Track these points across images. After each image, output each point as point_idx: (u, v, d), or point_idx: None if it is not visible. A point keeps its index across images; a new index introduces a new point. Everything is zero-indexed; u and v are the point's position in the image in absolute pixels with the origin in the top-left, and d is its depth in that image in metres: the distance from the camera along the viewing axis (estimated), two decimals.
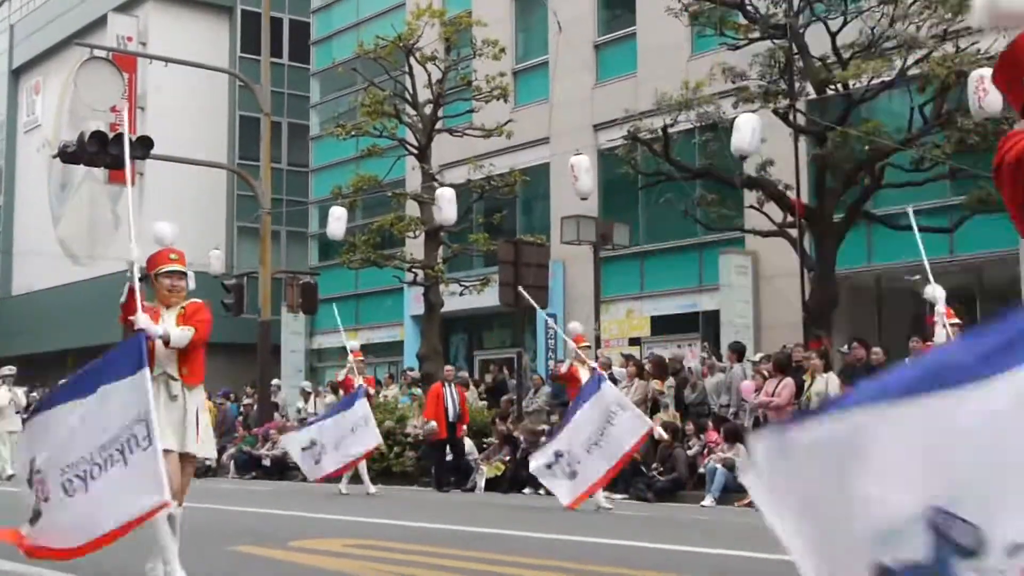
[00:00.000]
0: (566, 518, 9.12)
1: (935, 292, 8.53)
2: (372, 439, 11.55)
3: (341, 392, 13.45)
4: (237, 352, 20.73)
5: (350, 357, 12.09)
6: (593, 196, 16.97)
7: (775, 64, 13.51)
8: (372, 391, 12.96)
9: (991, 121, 11.92)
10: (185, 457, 4.53)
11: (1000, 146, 1.77)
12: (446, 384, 12.69)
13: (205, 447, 4.78)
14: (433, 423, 13.13)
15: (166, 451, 4.22)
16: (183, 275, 4.76)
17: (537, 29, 21.28)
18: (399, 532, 7.82)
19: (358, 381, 11.69)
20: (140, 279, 4.40)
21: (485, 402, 15.85)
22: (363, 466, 11.98)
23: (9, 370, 15.50)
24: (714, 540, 6.99)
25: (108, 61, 17.30)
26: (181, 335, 4.47)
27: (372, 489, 11.66)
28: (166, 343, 4.40)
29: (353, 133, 18.67)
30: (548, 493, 11.49)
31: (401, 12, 21.12)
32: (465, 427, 13.58)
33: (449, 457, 13.34)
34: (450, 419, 12.97)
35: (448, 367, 14.27)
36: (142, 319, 4.20)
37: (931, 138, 13.04)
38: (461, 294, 18.41)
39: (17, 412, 14.67)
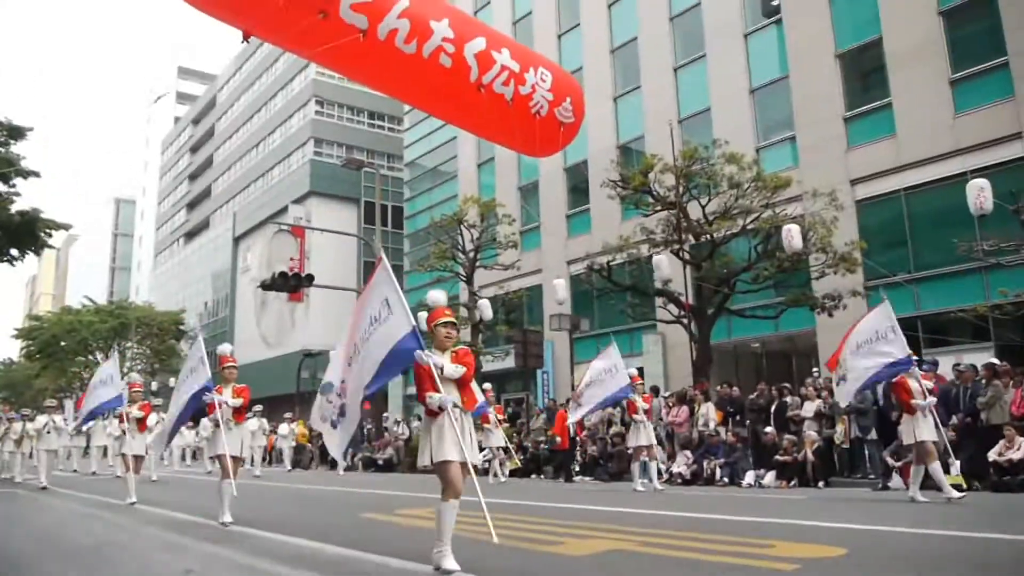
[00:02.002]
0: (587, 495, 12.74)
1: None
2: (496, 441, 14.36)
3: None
4: (365, 397, 26.64)
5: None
6: (567, 303, 22.81)
7: (670, 224, 17.75)
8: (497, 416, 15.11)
9: (796, 255, 16.17)
10: (464, 465, 4.83)
11: None
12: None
13: (475, 456, 5.18)
14: (558, 437, 15.76)
15: (450, 461, 4.82)
16: (455, 326, 5.35)
17: (532, 207, 28.29)
18: (462, 504, 7.71)
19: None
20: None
21: (508, 423, 18.99)
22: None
23: (51, 403, 17.72)
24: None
25: (288, 232, 24.01)
26: (455, 370, 5.05)
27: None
28: (440, 370, 4.95)
29: (429, 269, 24.41)
30: (546, 478, 16.08)
31: (455, 200, 27.84)
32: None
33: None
34: (571, 434, 15.61)
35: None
36: (425, 355, 4.92)
37: (762, 264, 16.91)
38: (492, 360, 23.72)
39: (60, 434, 16.48)
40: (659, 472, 13.03)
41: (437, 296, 5.30)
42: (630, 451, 13.14)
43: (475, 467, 5.04)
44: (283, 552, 5.88)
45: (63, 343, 48.49)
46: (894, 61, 18.99)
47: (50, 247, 26.92)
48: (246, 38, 5.15)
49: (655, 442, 12.87)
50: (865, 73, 20.33)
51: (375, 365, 5.12)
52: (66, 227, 25.14)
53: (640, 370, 15.37)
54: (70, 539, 7.43)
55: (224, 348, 9.06)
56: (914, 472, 9.09)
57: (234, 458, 8.09)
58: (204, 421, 18.18)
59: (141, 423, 11.50)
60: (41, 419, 16.14)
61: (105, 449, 21.38)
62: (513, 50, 5.84)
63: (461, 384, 5.10)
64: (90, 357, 50.38)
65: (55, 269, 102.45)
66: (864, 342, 9.40)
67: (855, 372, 9.48)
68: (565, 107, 6.17)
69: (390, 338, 5.06)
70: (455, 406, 4.93)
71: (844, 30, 20.45)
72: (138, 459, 11.31)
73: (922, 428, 8.85)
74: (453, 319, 5.37)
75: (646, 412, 12.49)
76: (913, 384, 9.03)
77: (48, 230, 23.55)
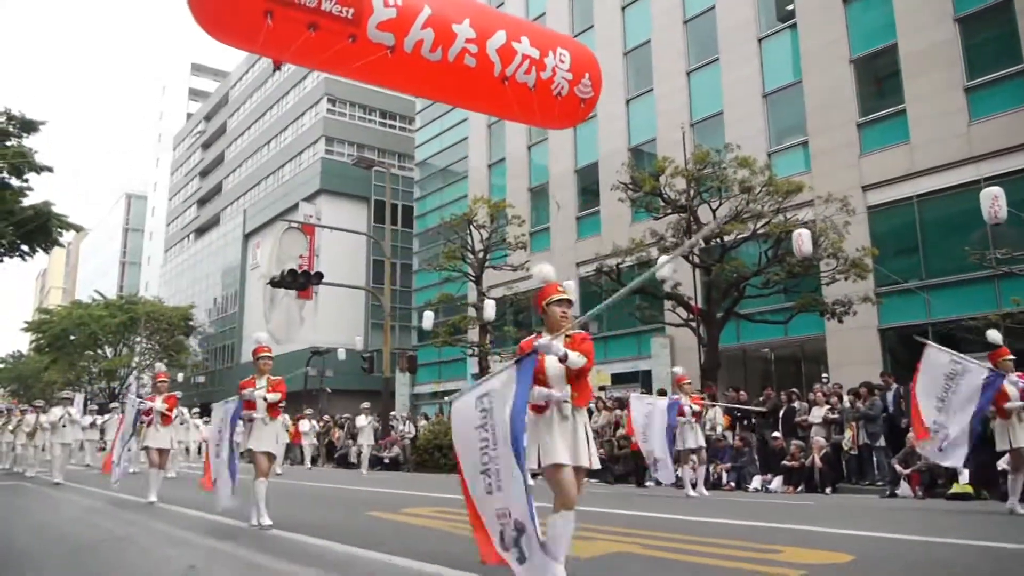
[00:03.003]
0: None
1: (993, 334, 8.60)
2: None
3: None
4: (371, 395, 25.81)
5: None
6: (576, 304, 23.69)
7: (681, 228, 17.80)
8: None
9: (806, 260, 16.01)
10: (578, 469, 4.27)
11: None
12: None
13: (593, 459, 4.36)
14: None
15: (560, 465, 4.17)
16: (570, 303, 4.52)
17: (543, 208, 28.34)
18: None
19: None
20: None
21: None
22: None
23: (67, 394, 17.02)
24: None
25: (298, 229, 24.12)
26: (576, 358, 4.28)
27: None
28: (562, 360, 4.21)
29: (438, 269, 24.42)
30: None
31: (464, 201, 28.01)
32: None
33: None
34: None
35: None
36: (543, 341, 4.15)
37: (772, 269, 16.88)
38: (499, 361, 22.63)
39: (82, 425, 16.16)
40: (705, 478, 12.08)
41: (546, 270, 3.94)
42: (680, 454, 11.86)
43: (589, 471, 4.45)
44: (288, 549, 5.88)
45: (72, 337, 48.84)
46: (909, 67, 18.92)
47: (61, 245, 27.11)
48: (277, 66, 5.23)
49: (704, 445, 11.93)
50: (879, 79, 20.24)
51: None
52: (78, 228, 25.30)
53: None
54: (76, 534, 7.43)
55: (261, 336, 8.32)
56: (1011, 482, 8.48)
57: (269, 455, 7.65)
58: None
59: (166, 417, 10.67)
60: (56, 411, 15.47)
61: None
62: (532, 36, 5.95)
63: (577, 375, 4.39)
64: (99, 351, 50.70)
65: (65, 263, 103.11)
66: (943, 395, 8.30)
67: (957, 427, 8.17)
68: (584, 83, 6.36)
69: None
70: (565, 401, 4.33)
71: (859, 35, 20.39)
72: (163, 453, 10.53)
73: (1018, 434, 8.19)
74: (568, 295, 4.59)
75: (695, 414, 11.55)
76: (1010, 388, 8.28)
77: (60, 228, 23.69)
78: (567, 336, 4.41)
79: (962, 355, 8.50)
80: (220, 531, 7.10)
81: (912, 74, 18.82)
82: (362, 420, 19.68)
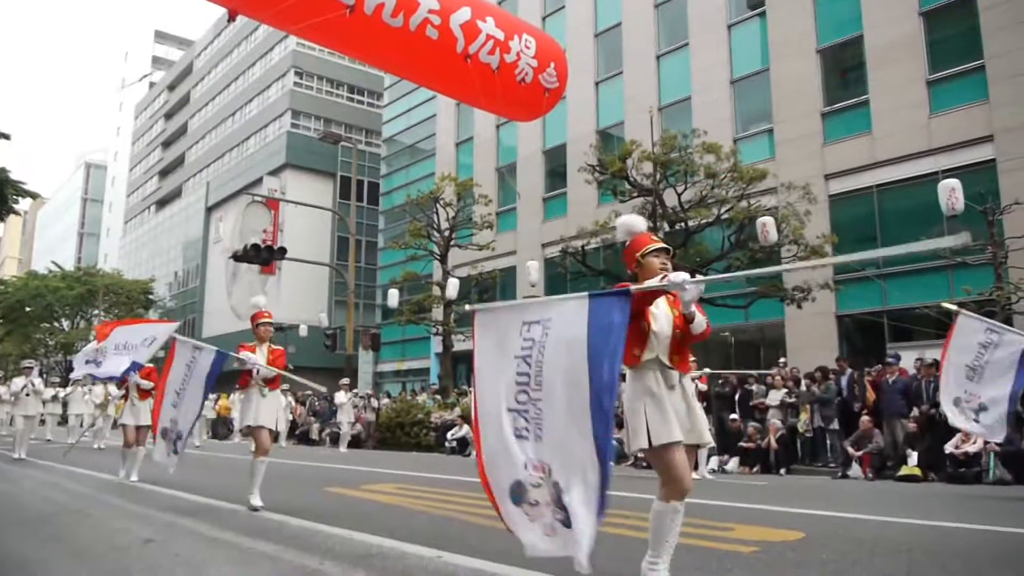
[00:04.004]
0: None
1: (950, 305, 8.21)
2: None
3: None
4: (333, 373, 25.08)
5: None
6: (540, 285, 22.87)
7: (646, 211, 17.33)
8: None
9: (768, 246, 16.26)
10: (690, 447, 3.54)
11: None
12: None
13: (705, 433, 3.66)
14: None
15: (672, 445, 3.38)
16: (670, 252, 3.74)
17: (509, 190, 28.30)
18: (429, 481, 8.58)
19: None
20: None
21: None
22: None
23: (28, 363, 15.90)
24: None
25: (263, 203, 23.72)
26: (701, 319, 3.60)
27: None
28: (689, 319, 3.53)
29: (403, 247, 24.35)
30: None
31: (432, 179, 27.79)
32: None
33: None
34: None
35: None
36: (677, 277, 3.34)
37: (735, 254, 17.16)
38: (464, 340, 23.21)
39: (43, 397, 15.28)
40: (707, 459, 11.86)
41: (634, 220, 3.45)
42: None
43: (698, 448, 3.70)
44: (246, 525, 5.87)
45: (28, 309, 47.71)
46: (874, 59, 19.21)
47: (16, 213, 26.34)
48: (232, 17, 5.10)
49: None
50: (845, 69, 20.53)
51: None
52: (34, 195, 24.59)
53: None
54: (29, 506, 7.34)
55: (259, 300, 7.44)
56: None
57: (271, 431, 6.98)
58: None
59: (144, 391, 9.86)
60: (18, 381, 14.59)
61: (90, 418, 19.17)
62: (498, 18, 5.88)
63: (684, 341, 3.60)
64: (55, 324, 49.64)
65: (22, 233, 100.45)
66: (975, 364, 7.59)
67: (991, 396, 7.53)
68: (549, 72, 6.27)
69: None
70: (666, 366, 3.52)
71: (826, 25, 20.66)
72: (140, 430, 9.70)
73: None
74: (665, 244, 3.80)
75: (700, 394, 10.88)
76: None
77: (16, 195, 23.00)
78: (668, 294, 3.56)
79: (1000, 324, 8.00)
80: (179, 507, 7.06)
81: (877, 66, 19.13)
82: (341, 396, 18.92)
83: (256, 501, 6.64)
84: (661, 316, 3.59)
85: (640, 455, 3.34)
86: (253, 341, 7.07)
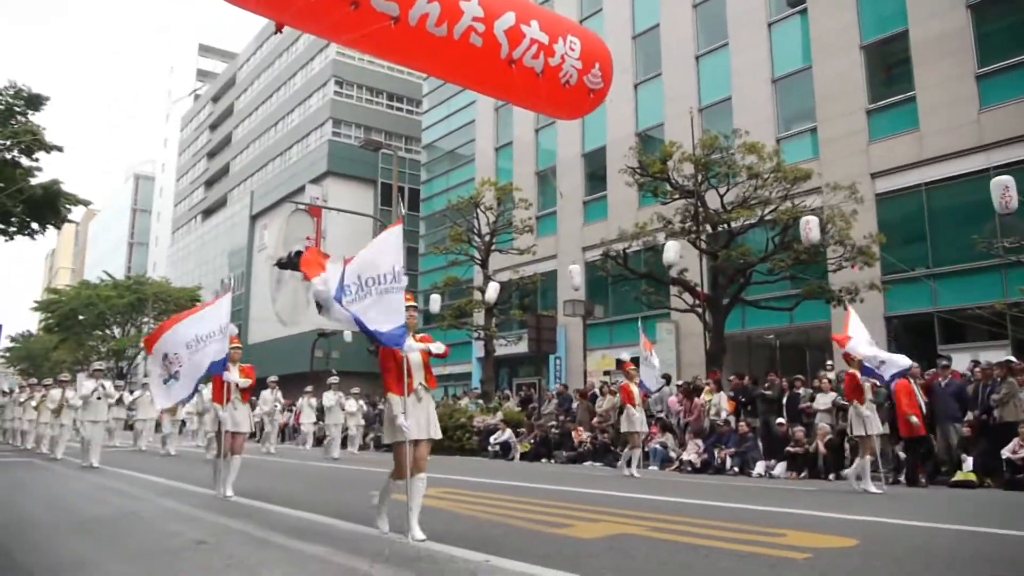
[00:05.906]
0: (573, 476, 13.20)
1: None
2: None
3: None
4: (377, 378, 26.05)
5: None
6: (582, 288, 22.39)
7: (688, 213, 17.57)
8: None
9: (813, 247, 16.05)
10: (425, 441, 5.39)
11: None
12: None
13: (438, 431, 5.59)
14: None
15: (416, 441, 5.19)
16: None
17: (549, 193, 28.02)
18: (474, 485, 8.73)
19: None
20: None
21: (520, 407, 19.84)
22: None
23: (99, 366, 15.21)
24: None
25: (305, 211, 24.10)
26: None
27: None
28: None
29: (444, 252, 24.56)
30: (557, 462, 15.79)
31: (471, 184, 27.90)
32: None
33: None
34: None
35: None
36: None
37: (778, 256, 16.65)
38: (505, 345, 23.96)
39: (108, 402, 14.18)
40: (640, 460, 12.96)
41: None
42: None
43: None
44: (296, 527, 5.94)
45: (81, 316, 49.02)
46: (919, 54, 18.77)
47: (70, 221, 27.12)
48: (279, 29, 5.21)
49: (647, 430, 13.34)
50: (889, 66, 20.09)
51: (370, 323, 4.99)
52: (86, 203, 25.30)
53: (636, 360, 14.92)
54: (85, 510, 7.50)
55: (231, 329, 8.30)
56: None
57: (241, 434, 8.71)
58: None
59: (246, 392, 9.03)
60: (88, 384, 13.75)
61: (158, 424, 18.83)
62: (543, 21, 5.87)
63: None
64: (107, 331, 50.94)
65: (74, 244, 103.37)
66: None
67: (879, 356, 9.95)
68: (594, 74, 6.25)
69: (393, 312, 5.04)
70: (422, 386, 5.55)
71: (869, 22, 20.24)
72: (238, 436, 8.69)
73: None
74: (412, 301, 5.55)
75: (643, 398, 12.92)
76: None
77: (69, 204, 23.69)
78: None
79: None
80: (231, 509, 7.17)
81: (923, 61, 18.68)
82: (352, 405, 18.76)
83: (228, 491, 8.14)
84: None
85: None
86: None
